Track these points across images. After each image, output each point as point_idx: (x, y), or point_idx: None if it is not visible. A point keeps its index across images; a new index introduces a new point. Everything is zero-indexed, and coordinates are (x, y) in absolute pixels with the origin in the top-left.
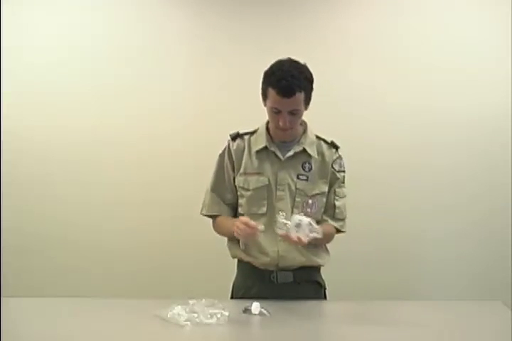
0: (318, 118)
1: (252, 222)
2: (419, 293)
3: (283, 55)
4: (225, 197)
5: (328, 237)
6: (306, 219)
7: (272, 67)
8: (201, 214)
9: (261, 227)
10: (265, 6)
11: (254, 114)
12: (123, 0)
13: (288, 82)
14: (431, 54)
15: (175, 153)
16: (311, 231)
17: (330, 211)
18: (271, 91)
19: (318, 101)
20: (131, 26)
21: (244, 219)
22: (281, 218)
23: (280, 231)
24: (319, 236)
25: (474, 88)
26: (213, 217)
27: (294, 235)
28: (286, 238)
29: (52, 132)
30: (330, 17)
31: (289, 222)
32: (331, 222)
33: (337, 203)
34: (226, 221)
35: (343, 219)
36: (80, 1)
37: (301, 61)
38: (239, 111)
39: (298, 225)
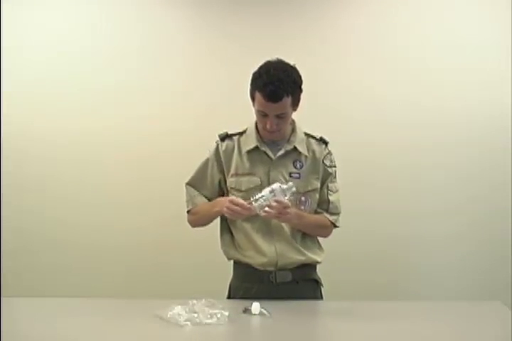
0: (318, 118)
1: (244, 203)
2: (419, 294)
3: (283, 55)
4: (201, 192)
5: (321, 226)
6: (275, 184)
7: (259, 69)
8: (188, 211)
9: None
10: (265, 6)
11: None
12: (123, 0)
13: (275, 86)
14: (431, 54)
15: (174, 153)
16: (287, 190)
17: (324, 205)
18: (258, 95)
19: (318, 101)
20: (131, 26)
21: (235, 199)
22: (254, 199)
23: (263, 212)
24: (295, 188)
25: (474, 88)
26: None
27: (273, 203)
28: (269, 212)
29: (51, 132)
30: (330, 17)
31: (263, 196)
32: (325, 215)
33: (331, 198)
34: (203, 205)
35: (337, 214)
36: (80, 1)
37: (291, 62)
38: (239, 111)
39: (272, 191)
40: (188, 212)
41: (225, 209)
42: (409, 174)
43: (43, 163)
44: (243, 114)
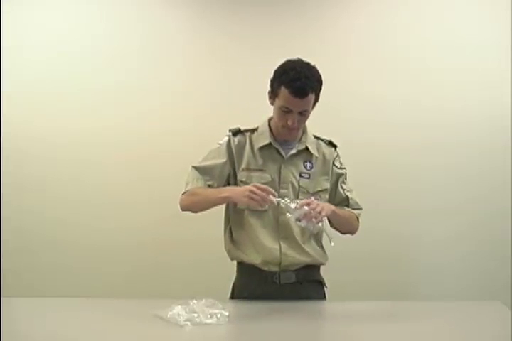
0: (318, 118)
1: (271, 190)
2: (419, 293)
3: (283, 55)
4: (206, 178)
5: (352, 217)
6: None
7: (283, 67)
8: (185, 191)
9: (275, 200)
10: (265, 6)
11: (255, 113)
12: (123, 0)
13: (302, 82)
14: (431, 54)
15: (174, 152)
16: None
17: (344, 203)
18: (283, 91)
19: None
20: (131, 26)
21: (260, 185)
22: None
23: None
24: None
25: (474, 88)
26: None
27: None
28: (308, 215)
29: (51, 132)
30: (330, 17)
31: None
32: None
33: (349, 195)
34: (207, 189)
35: (359, 209)
36: (80, 1)
37: (311, 62)
38: (239, 111)
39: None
40: (184, 193)
41: (247, 192)
42: (410, 174)
43: (43, 163)
44: (243, 113)
